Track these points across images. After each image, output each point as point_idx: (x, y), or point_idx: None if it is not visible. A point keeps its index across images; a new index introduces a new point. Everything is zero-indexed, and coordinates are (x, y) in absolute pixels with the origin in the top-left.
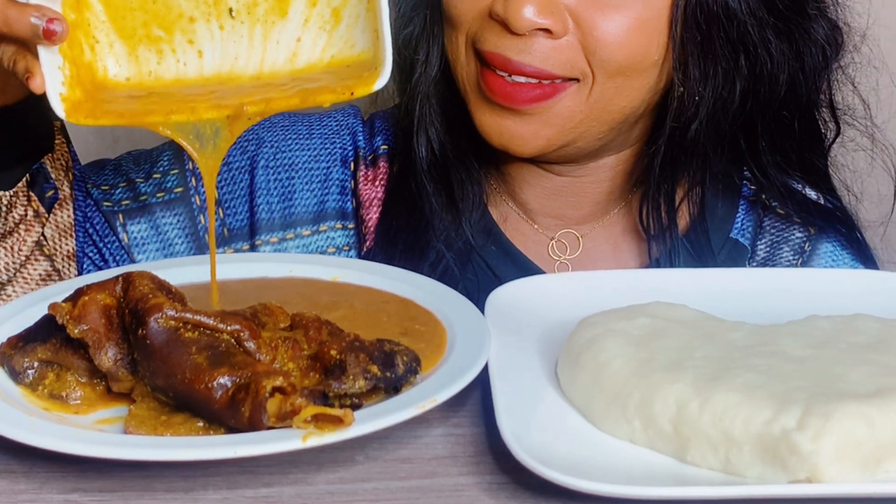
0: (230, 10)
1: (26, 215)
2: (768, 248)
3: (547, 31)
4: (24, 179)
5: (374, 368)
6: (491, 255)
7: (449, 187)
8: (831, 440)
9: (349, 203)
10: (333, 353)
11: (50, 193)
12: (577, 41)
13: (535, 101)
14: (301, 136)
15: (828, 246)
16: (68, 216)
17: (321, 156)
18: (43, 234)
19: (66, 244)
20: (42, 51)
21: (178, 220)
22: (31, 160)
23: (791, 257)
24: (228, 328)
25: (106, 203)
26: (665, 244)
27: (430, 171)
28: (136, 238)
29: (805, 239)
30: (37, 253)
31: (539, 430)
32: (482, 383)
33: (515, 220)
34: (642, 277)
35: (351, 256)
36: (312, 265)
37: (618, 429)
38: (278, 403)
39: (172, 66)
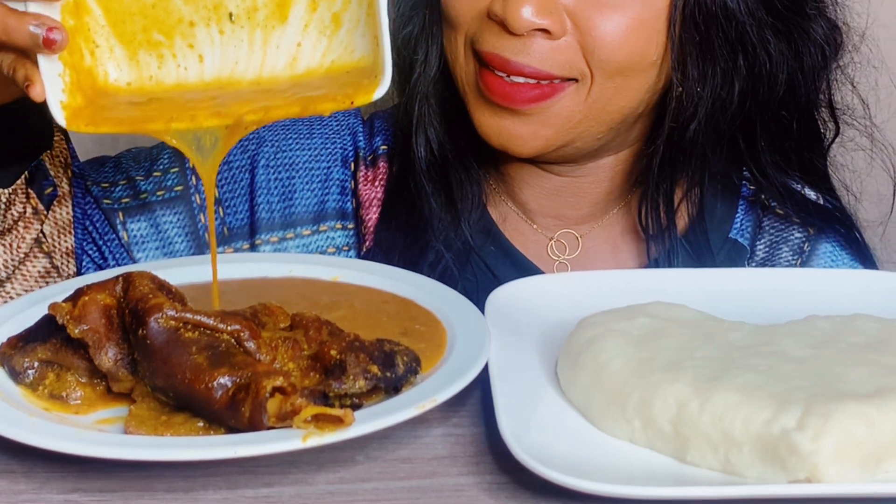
0: (230, 15)
1: (25, 212)
2: (767, 249)
3: (545, 31)
4: (22, 177)
5: (374, 368)
6: (490, 256)
7: (448, 187)
8: (831, 440)
9: (349, 203)
10: (333, 353)
11: (49, 190)
12: (576, 41)
13: (534, 101)
14: (302, 136)
15: (827, 246)
16: (67, 213)
17: (322, 155)
18: (42, 231)
19: (65, 241)
20: (42, 59)
21: (178, 219)
22: (30, 157)
23: (790, 257)
24: (228, 328)
25: (106, 201)
26: (664, 244)
27: (429, 171)
28: (135, 236)
29: (804, 239)
30: (35, 250)
31: (539, 430)
32: (482, 383)
33: (515, 220)
34: (642, 277)
35: (350, 257)
36: (312, 265)
37: (618, 429)
38: (278, 403)
39: (173, 70)
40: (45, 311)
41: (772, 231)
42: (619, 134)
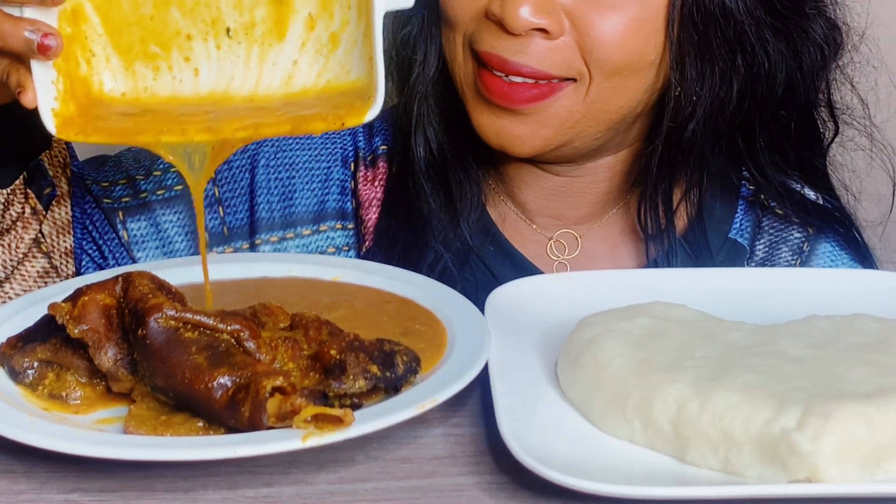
0: (227, 30)
1: (24, 213)
2: (767, 249)
3: (543, 31)
4: (21, 177)
5: (374, 368)
6: (489, 256)
7: (447, 187)
8: (831, 440)
9: (349, 203)
10: (333, 353)
11: (48, 191)
12: (574, 41)
13: (532, 101)
14: (302, 136)
15: (826, 246)
16: (66, 213)
17: (322, 155)
18: (41, 231)
19: (64, 241)
20: (35, 65)
21: (179, 218)
22: (29, 158)
23: (790, 257)
24: (228, 328)
25: (106, 200)
26: (663, 244)
27: (429, 171)
28: (135, 235)
29: (804, 239)
30: (34, 250)
31: (539, 430)
32: (482, 383)
33: (514, 220)
34: (641, 277)
35: (350, 257)
36: (312, 265)
37: (618, 429)
38: (278, 403)
39: (168, 83)
40: (45, 311)
41: (771, 231)
42: (617, 134)
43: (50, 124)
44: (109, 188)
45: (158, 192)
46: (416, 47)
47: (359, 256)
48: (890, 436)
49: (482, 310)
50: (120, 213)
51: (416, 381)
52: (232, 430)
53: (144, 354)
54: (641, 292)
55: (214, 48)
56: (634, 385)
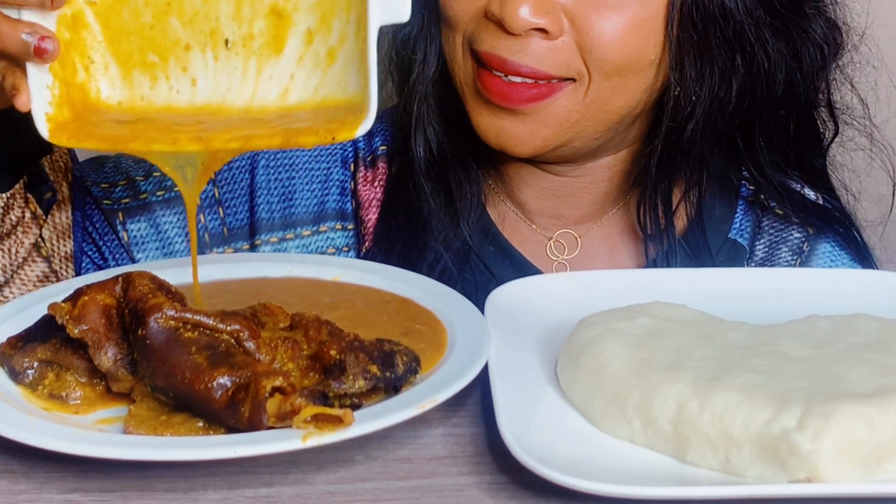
0: (226, 41)
1: (24, 217)
2: (767, 249)
3: (543, 31)
4: (21, 181)
5: (374, 368)
6: (489, 256)
7: (447, 187)
8: (831, 440)
9: (349, 204)
10: (333, 353)
11: (48, 195)
12: (574, 41)
13: (532, 100)
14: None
15: (826, 246)
16: (66, 218)
17: (321, 156)
18: (41, 236)
19: (64, 246)
20: (31, 68)
21: (179, 219)
22: (29, 163)
23: (790, 257)
24: (228, 328)
25: (106, 201)
26: (662, 245)
27: (429, 171)
28: (135, 236)
29: (804, 239)
30: (34, 254)
31: (539, 430)
32: (482, 383)
33: (513, 220)
34: (641, 277)
35: (350, 257)
36: (312, 265)
37: (618, 429)
38: (278, 403)
39: (165, 92)
40: (45, 311)
41: (771, 231)
42: (617, 134)
43: (43, 128)
44: (109, 189)
45: (158, 193)
46: (415, 47)
47: (359, 257)
48: (890, 436)
49: (482, 310)
50: (120, 215)
51: (416, 381)
52: (232, 430)
53: (144, 354)
54: (641, 292)
55: (212, 59)
56: (634, 385)
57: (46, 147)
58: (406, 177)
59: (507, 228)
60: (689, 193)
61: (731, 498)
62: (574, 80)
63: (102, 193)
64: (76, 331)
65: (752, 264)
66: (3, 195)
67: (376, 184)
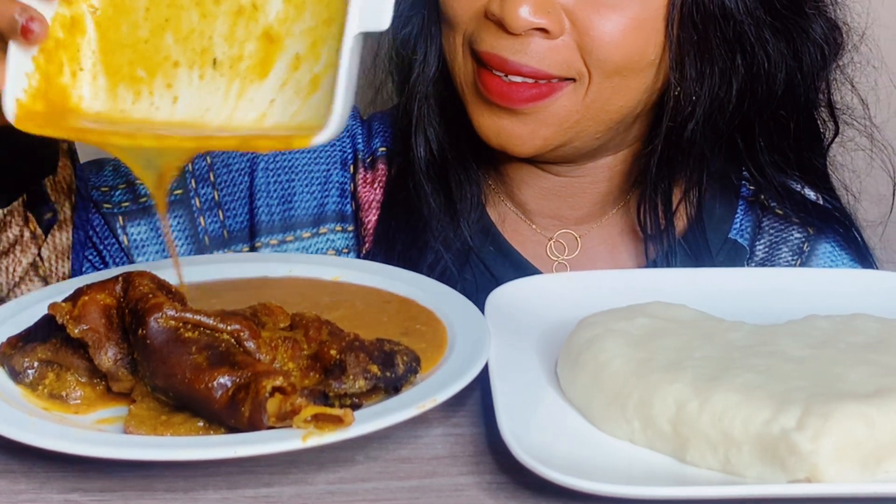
0: (214, 61)
1: (23, 236)
2: (767, 249)
3: (543, 30)
4: (20, 200)
5: (374, 368)
6: (489, 256)
7: (447, 188)
8: (831, 440)
9: (348, 206)
10: (333, 352)
11: (48, 216)
12: (574, 41)
13: (532, 100)
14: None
15: (826, 246)
16: (67, 238)
17: (321, 158)
18: (39, 255)
19: (63, 266)
20: (13, 49)
21: (178, 223)
22: (29, 182)
23: (790, 258)
24: (228, 328)
25: (106, 205)
26: (663, 245)
27: (429, 171)
28: (135, 240)
29: (804, 239)
30: (31, 274)
31: (539, 430)
32: (482, 383)
33: (514, 220)
34: (641, 277)
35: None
36: (313, 265)
37: (617, 429)
38: (278, 403)
39: (145, 108)
40: (45, 311)
41: (771, 231)
42: (617, 134)
43: (10, 112)
44: (109, 193)
45: None
46: (416, 47)
47: (359, 258)
48: (890, 436)
49: (482, 310)
50: (120, 218)
51: (416, 381)
52: (232, 430)
53: (144, 354)
54: (641, 292)
55: (198, 78)
56: (634, 385)
57: (49, 167)
58: (406, 177)
59: (507, 229)
60: (690, 193)
61: (731, 498)
62: (574, 80)
63: (102, 197)
64: (76, 331)
65: (753, 264)
66: (0, 211)
67: (376, 185)
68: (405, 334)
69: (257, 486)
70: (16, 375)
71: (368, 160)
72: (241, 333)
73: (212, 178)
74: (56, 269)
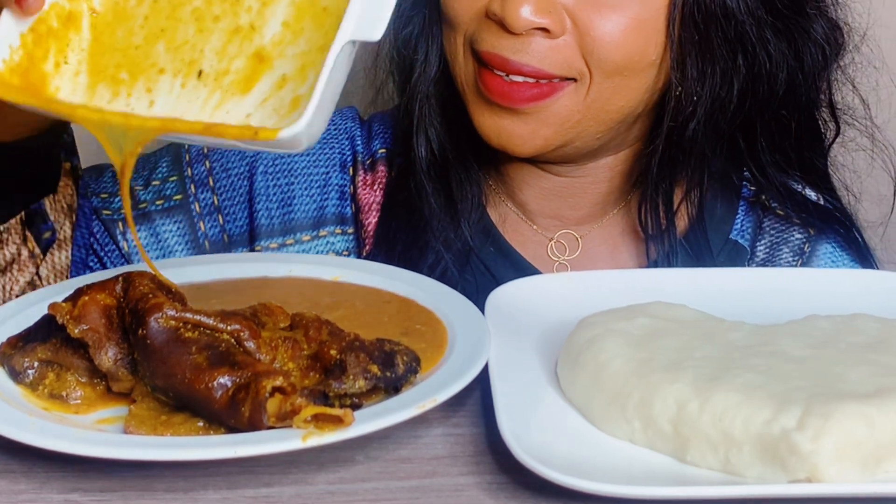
0: (200, 72)
1: (20, 255)
2: (768, 250)
3: (544, 30)
4: (17, 218)
5: (374, 368)
6: (489, 257)
7: (448, 187)
8: (831, 440)
9: (348, 208)
10: (333, 352)
11: (47, 235)
12: (575, 41)
13: (532, 100)
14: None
15: (827, 247)
16: (66, 258)
17: (320, 161)
18: (37, 274)
19: None
20: (6, 17)
21: (178, 228)
22: (28, 200)
23: (791, 258)
24: (228, 328)
25: (105, 212)
26: (664, 245)
27: (430, 171)
28: (135, 246)
29: (805, 240)
30: (29, 291)
31: (539, 430)
32: (482, 383)
33: (514, 221)
34: (641, 277)
35: None
36: (313, 265)
37: (618, 429)
38: (278, 403)
39: (121, 108)
40: (45, 311)
41: (772, 232)
42: (618, 133)
43: None
44: (108, 199)
45: (157, 203)
46: (417, 47)
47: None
48: (890, 436)
49: (482, 311)
50: (119, 225)
51: (416, 381)
52: (232, 430)
53: (144, 354)
54: (641, 292)
55: (180, 86)
56: (634, 385)
57: (49, 186)
58: (407, 177)
59: (507, 230)
60: (691, 194)
61: (731, 498)
62: (575, 80)
63: (102, 203)
64: (76, 331)
65: (753, 265)
66: None
67: (376, 187)
68: (405, 334)
69: (257, 486)
70: (16, 375)
71: (368, 162)
72: (241, 333)
73: (211, 182)
74: None
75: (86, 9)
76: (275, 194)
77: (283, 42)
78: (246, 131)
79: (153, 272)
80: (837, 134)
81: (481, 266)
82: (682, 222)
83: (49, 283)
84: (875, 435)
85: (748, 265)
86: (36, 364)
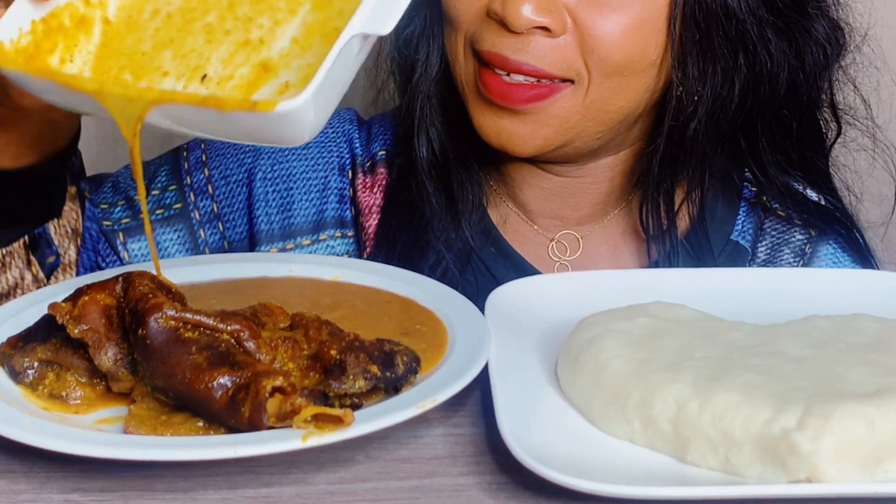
0: (203, 76)
1: (24, 279)
2: (769, 250)
3: (545, 29)
4: (20, 242)
5: (374, 368)
6: (490, 258)
7: (449, 187)
8: (831, 440)
9: (348, 211)
10: (333, 353)
11: (51, 259)
12: (575, 41)
13: (532, 100)
14: (298, 146)
15: (828, 248)
16: None
17: (318, 165)
18: None
19: None
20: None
21: (178, 236)
22: (32, 224)
23: (792, 259)
24: (228, 328)
25: (106, 222)
26: (665, 245)
27: (431, 171)
28: (136, 256)
29: (806, 241)
30: None
31: (539, 430)
32: (482, 383)
33: (515, 221)
34: (641, 278)
35: None
36: (313, 265)
37: (618, 429)
38: (278, 403)
39: None
40: (45, 311)
41: (773, 233)
42: (618, 133)
43: None
44: (109, 210)
45: (158, 212)
46: (418, 47)
47: None
48: (890, 436)
49: (483, 311)
50: (120, 235)
51: (416, 381)
52: (232, 430)
53: (144, 354)
54: (641, 292)
55: (182, 88)
56: (634, 385)
57: (54, 211)
58: (408, 178)
59: (508, 230)
60: (692, 194)
61: (731, 498)
62: (573, 81)
63: (102, 214)
64: (76, 331)
65: (754, 266)
66: (0, 251)
67: (376, 189)
68: (405, 334)
69: (257, 486)
70: (16, 375)
71: (368, 164)
72: (241, 333)
73: (210, 190)
74: None
75: (99, 16)
76: (274, 200)
77: (291, 55)
78: (245, 104)
79: (153, 272)
80: (839, 134)
81: (482, 266)
82: (683, 223)
83: None
84: (875, 435)
85: (749, 266)
86: (36, 364)
